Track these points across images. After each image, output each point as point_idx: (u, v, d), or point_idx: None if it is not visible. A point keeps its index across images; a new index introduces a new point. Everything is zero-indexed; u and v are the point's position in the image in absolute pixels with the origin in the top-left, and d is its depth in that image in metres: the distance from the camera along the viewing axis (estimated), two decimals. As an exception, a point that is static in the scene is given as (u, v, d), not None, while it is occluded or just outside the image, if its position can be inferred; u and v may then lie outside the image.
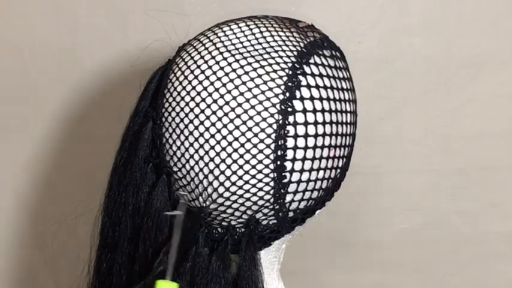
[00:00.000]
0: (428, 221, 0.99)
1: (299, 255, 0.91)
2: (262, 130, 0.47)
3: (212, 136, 0.48)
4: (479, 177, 0.97)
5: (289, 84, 0.48)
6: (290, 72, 0.49)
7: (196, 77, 0.49)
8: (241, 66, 0.48)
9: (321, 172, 0.51)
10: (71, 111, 0.94)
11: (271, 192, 0.49)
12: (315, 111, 0.49)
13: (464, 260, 1.01)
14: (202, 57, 0.50)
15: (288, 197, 0.50)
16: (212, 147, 0.48)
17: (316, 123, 0.49)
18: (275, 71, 0.48)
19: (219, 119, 0.47)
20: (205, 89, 0.48)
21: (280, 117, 0.47)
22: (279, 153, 0.48)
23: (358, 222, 1.00)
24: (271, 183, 0.49)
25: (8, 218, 1.00)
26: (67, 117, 0.94)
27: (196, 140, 0.48)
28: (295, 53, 0.50)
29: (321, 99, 0.49)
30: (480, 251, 1.01)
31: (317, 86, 0.49)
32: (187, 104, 0.49)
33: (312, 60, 0.50)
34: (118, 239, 0.54)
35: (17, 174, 0.98)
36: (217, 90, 0.48)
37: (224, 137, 0.47)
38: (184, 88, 0.49)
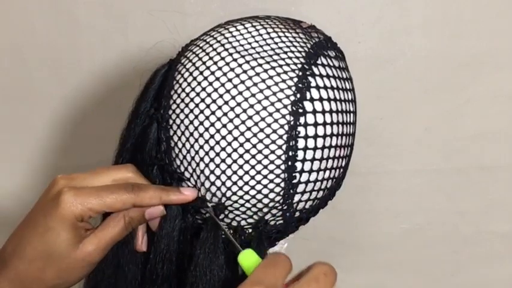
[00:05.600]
0: (428, 221, 0.99)
1: (299, 255, 0.91)
2: (274, 131, 0.47)
3: (223, 138, 0.47)
4: (479, 177, 0.97)
5: (300, 85, 0.48)
6: (300, 74, 0.49)
7: (206, 78, 0.49)
8: (252, 68, 0.48)
9: (327, 172, 0.51)
10: (71, 112, 0.94)
11: (281, 192, 0.49)
12: (323, 111, 0.49)
13: (464, 260, 1.01)
14: (211, 58, 0.49)
15: (296, 197, 0.50)
16: (223, 149, 0.48)
17: (325, 123, 0.49)
18: (285, 72, 0.48)
19: (231, 121, 0.47)
20: (215, 90, 0.48)
21: (292, 118, 0.48)
22: (290, 153, 0.48)
23: (358, 222, 1.00)
24: (282, 184, 0.49)
25: (7, 218, 1.00)
26: (67, 117, 0.94)
27: (207, 141, 0.48)
28: (304, 54, 0.50)
29: (329, 100, 0.49)
30: (480, 251, 1.01)
31: (325, 87, 0.50)
32: (197, 105, 0.48)
33: (319, 61, 0.50)
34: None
35: (17, 174, 0.98)
36: (228, 91, 0.48)
37: (236, 138, 0.47)
38: (193, 89, 0.49)
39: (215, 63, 0.49)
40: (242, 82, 0.48)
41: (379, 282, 1.03)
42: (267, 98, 0.47)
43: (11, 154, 0.96)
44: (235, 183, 0.48)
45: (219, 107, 0.47)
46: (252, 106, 0.47)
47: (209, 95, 0.48)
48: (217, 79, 0.48)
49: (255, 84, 0.47)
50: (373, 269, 1.03)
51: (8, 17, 0.89)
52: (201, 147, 0.48)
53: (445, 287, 1.03)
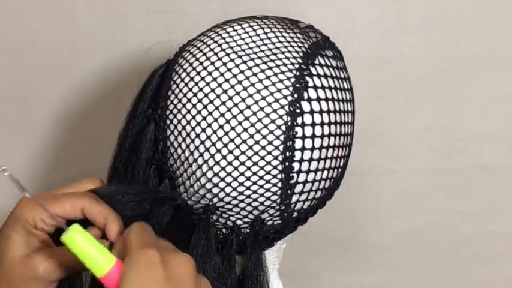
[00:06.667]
0: (428, 221, 1.00)
1: (299, 255, 0.91)
2: (271, 132, 0.47)
3: (219, 139, 0.47)
4: (479, 177, 0.97)
5: (297, 85, 0.48)
6: (297, 74, 0.48)
7: (203, 79, 0.48)
8: (249, 68, 0.48)
9: (325, 172, 0.51)
10: (70, 111, 0.94)
11: (278, 193, 0.49)
12: (321, 112, 0.49)
13: (464, 260, 1.01)
14: (208, 58, 0.49)
15: (294, 198, 0.50)
16: (219, 151, 0.47)
17: (322, 123, 0.49)
18: (283, 72, 0.48)
19: (228, 121, 0.47)
20: (212, 90, 0.48)
21: (289, 118, 0.47)
22: (287, 154, 0.48)
23: (358, 222, 1.00)
24: (279, 184, 0.49)
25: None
26: (67, 117, 0.94)
27: (203, 142, 0.48)
28: (301, 54, 0.50)
29: (326, 99, 0.49)
30: (480, 251, 1.01)
31: (323, 87, 0.49)
32: (194, 106, 0.48)
33: (316, 61, 0.50)
34: None
35: (17, 174, 0.97)
36: (225, 92, 0.47)
37: (232, 140, 0.47)
38: (190, 89, 0.49)
39: (212, 63, 0.49)
40: (239, 82, 0.47)
41: (379, 282, 1.03)
42: (264, 98, 0.47)
43: (11, 154, 0.96)
44: (229, 184, 0.48)
45: (216, 108, 0.47)
46: (249, 107, 0.47)
47: (206, 95, 0.48)
48: (215, 79, 0.48)
49: (253, 85, 0.47)
50: (373, 269, 1.03)
51: (8, 17, 0.89)
52: (197, 148, 0.48)
53: (445, 287, 1.03)
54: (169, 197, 0.51)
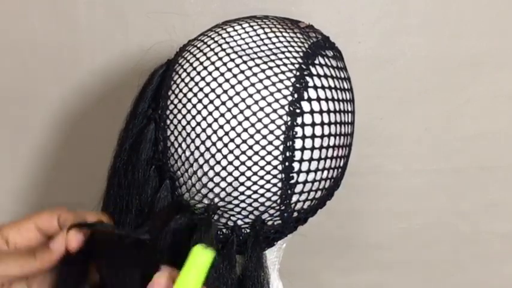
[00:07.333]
0: (428, 221, 0.99)
1: (299, 255, 0.91)
2: (271, 132, 0.47)
3: (220, 139, 0.47)
4: (479, 177, 0.97)
5: (297, 85, 0.48)
6: (297, 74, 0.48)
7: (203, 78, 0.48)
8: (249, 68, 0.48)
9: (325, 172, 0.51)
10: (70, 112, 0.94)
11: (279, 193, 0.49)
12: (321, 112, 0.49)
13: (464, 260, 1.01)
14: (208, 58, 0.49)
15: (294, 198, 0.50)
16: (219, 150, 0.47)
17: (322, 123, 0.49)
18: (283, 72, 0.48)
19: (228, 121, 0.47)
20: (213, 90, 0.48)
21: (289, 118, 0.47)
22: (287, 154, 0.48)
23: (358, 222, 1.00)
24: (279, 184, 0.49)
25: (7, 217, 1.00)
26: (67, 117, 0.94)
27: (203, 142, 0.48)
28: (301, 54, 0.50)
29: (326, 100, 0.49)
30: (480, 251, 1.01)
31: (323, 87, 0.49)
32: (194, 106, 0.48)
33: (317, 61, 0.50)
34: None
35: (17, 174, 0.98)
36: (225, 92, 0.47)
37: (232, 140, 0.47)
38: (191, 89, 0.49)
39: (212, 63, 0.49)
40: (239, 82, 0.47)
41: (379, 282, 1.03)
42: (264, 98, 0.47)
43: (11, 154, 0.96)
44: (230, 183, 0.48)
45: (217, 108, 0.47)
46: (249, 107, 0.47)
47: (206, 95, 0.48)
48: (215, 79, 0.48)
49: (253, 85, 0.47)
50: (373, 269, 1.03)
51: (8, 17, 0.89)
52: (197, 148, 0.48)
53: (445, 287, 1.03)
54: (184, 204, 0.51)
